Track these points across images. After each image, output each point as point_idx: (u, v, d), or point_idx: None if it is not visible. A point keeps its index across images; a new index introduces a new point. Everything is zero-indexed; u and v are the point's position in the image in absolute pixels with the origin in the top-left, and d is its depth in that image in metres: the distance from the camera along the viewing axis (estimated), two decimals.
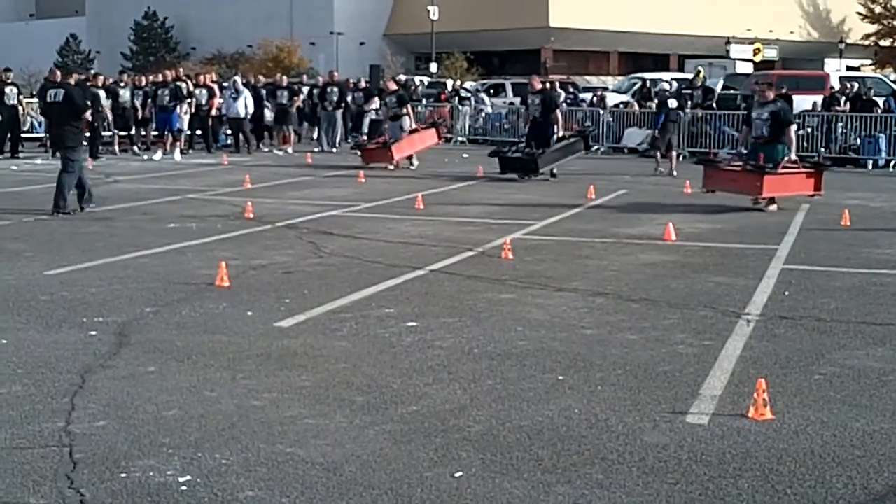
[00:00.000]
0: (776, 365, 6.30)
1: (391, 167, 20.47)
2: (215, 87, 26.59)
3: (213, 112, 25.46)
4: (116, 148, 24.41)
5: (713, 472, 4.56)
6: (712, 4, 70.04)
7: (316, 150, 25.08)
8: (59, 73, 26.08)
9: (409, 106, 21.84)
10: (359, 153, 21.68)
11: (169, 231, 11.74)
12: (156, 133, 24.54)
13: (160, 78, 25.00)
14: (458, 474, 4.51)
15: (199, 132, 25.60)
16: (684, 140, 24.78)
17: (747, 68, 41.76)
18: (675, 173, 19.58)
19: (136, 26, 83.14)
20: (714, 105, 25.69)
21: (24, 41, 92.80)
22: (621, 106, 28.68)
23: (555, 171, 18.83)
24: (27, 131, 26.35)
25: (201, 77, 27.08)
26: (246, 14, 76.36)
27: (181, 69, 27.94)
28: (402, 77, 40.36)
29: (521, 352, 6.56)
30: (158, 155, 22.92)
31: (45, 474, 4.42)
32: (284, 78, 28.61)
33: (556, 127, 18.87)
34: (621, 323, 7.39)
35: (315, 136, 27.62)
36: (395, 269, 9.35)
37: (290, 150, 25.20)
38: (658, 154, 20.75)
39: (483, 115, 30.79)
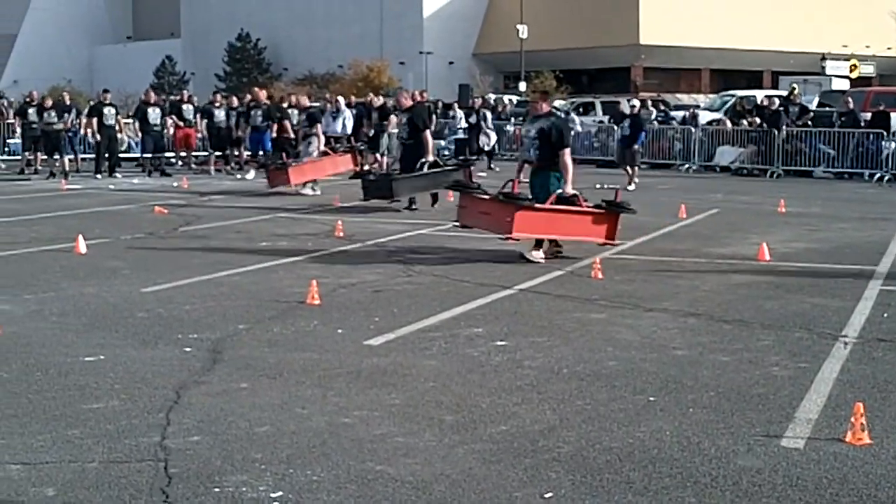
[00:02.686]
0: (874, 388, 6.14)
1: (299, 189, 19.02)
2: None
3: None
4: (212, 168, 24.96)
5: (809, 498, 4.46)
6: (807, 20, 68.94)
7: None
8: (152, 94, 26.89)
9: (318, 126, 20.26)
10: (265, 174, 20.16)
11: (261, 249, 11.91)
12: (249, 153, 24.96)
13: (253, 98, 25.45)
14: (547, 495, 4.48)
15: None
16: (780, 158, 24.42)
17: (843, 85, 40.98)
18: (631, 187, 20.14)
19: (229, 48, 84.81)
20: (809, 123, 25.26)
21: (121, 63, 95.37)
22: (713, 124, 28.36)
23: (415, 202, 16.26)
24: (124, 151, 27.05)
25: (293, 98, 27.50)
26: (337, 35, 77.44)
27: (273, 90, 28.40)
28: (491, 96, 40.46)
29: (611, 372, 6.50)
30: (251, 174, 23.28)
31: (141, 488, 4.50)
32: (379, 98, 28.92)
33: (424, 150, 15.61)
34: (713, 344, 7.28)
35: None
36: (484, 288, 9.35)
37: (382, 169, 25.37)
38: (629, 168, 20.99)
39: (572, 133, 30.70)
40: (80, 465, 4.78)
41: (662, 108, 34.65)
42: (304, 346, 7.17)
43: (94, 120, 23.35)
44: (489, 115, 27.59)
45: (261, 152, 24.16)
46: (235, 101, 26.60)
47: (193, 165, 26.13)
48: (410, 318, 8.04)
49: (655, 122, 29.33)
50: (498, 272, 10.30)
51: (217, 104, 26.15)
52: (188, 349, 7.03)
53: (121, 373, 6.40)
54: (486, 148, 26.56)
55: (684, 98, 55.60)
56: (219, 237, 13.02)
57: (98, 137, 23.40)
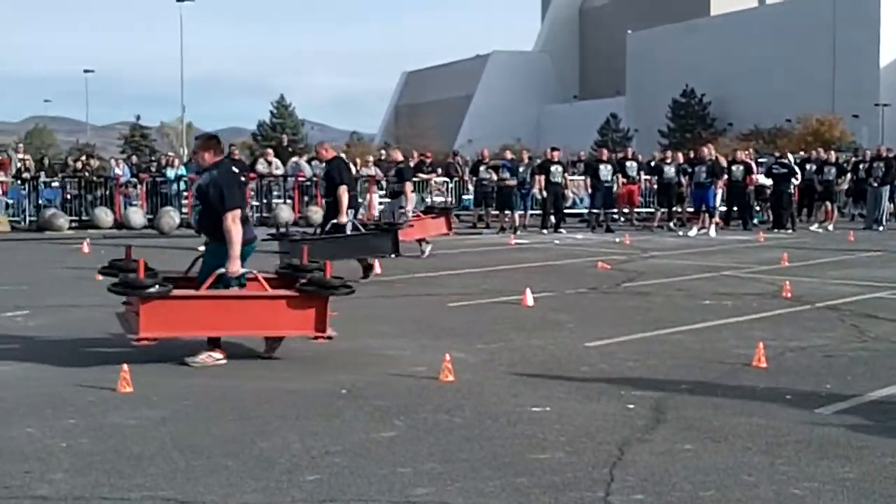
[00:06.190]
0: None
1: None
2: (752, 163, 26.55)
3: (750, 188, 25.42)
4: (655, 224, 25.17)
5: None
6: None
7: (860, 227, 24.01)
8: (604, 151, 27.71)
9: (408, 183, 18.35)
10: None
11: (703, 308, 11.72)
12: (691, 209, 24.88)
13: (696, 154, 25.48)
14: None
15: (735, 208, 25.59)
16: None
17: None
18: None
19: (673, 104, 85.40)
20: None
21: (567, 121, 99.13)
22: None
23: (371, 269, 14.14)
24: (569, 207, 27.96)
25: (738, 153, 27.14)
26: (786, 88, 75.48)
27: (717, 145, 28.33)
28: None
29: None
30: (693, 231, 23.16)
31: None
32: (832, 153, 28.03)
33: (338, 209, 13.68)
34: None
35: (859, 212, 26.68)
36: None
37: (830, 227, 24.33)
38: None
39: None
40: None
41: None
42: (749, 410, 6.92)
43: (542, 178, 24.41)
44: None
45: (723, 208, 24.10)
46: (681, 158, 26.72)
47: (636, 222, 26.44)
48: (868, 387, 7.51)
49: None
50: None
51: (668, 160, 26.44)
52: (631, 406, 7.03)
53: (566, 425, 6.51)
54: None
55: None
56: (661, 294, 13.00)
57: (545, 194, 24.42)
